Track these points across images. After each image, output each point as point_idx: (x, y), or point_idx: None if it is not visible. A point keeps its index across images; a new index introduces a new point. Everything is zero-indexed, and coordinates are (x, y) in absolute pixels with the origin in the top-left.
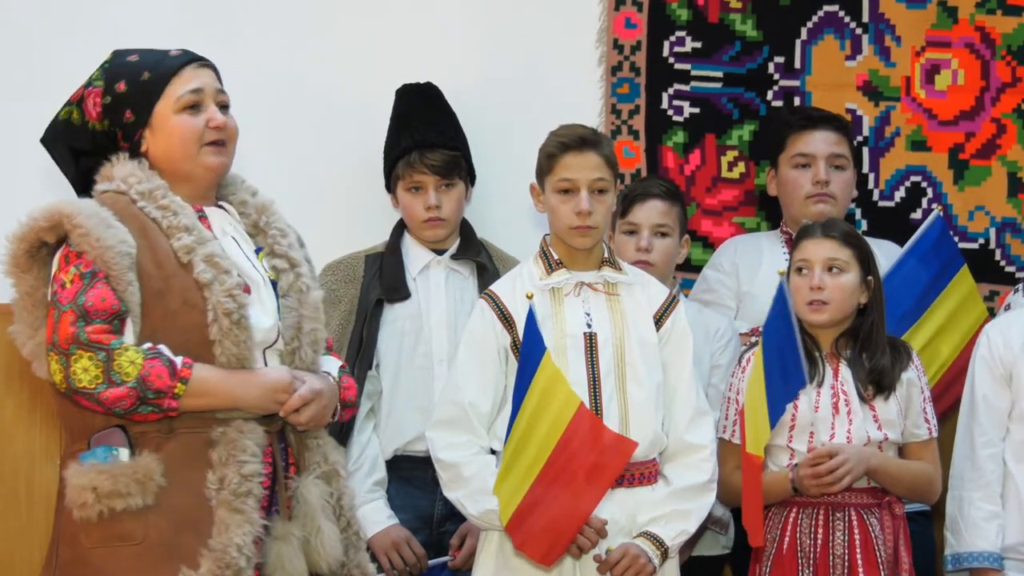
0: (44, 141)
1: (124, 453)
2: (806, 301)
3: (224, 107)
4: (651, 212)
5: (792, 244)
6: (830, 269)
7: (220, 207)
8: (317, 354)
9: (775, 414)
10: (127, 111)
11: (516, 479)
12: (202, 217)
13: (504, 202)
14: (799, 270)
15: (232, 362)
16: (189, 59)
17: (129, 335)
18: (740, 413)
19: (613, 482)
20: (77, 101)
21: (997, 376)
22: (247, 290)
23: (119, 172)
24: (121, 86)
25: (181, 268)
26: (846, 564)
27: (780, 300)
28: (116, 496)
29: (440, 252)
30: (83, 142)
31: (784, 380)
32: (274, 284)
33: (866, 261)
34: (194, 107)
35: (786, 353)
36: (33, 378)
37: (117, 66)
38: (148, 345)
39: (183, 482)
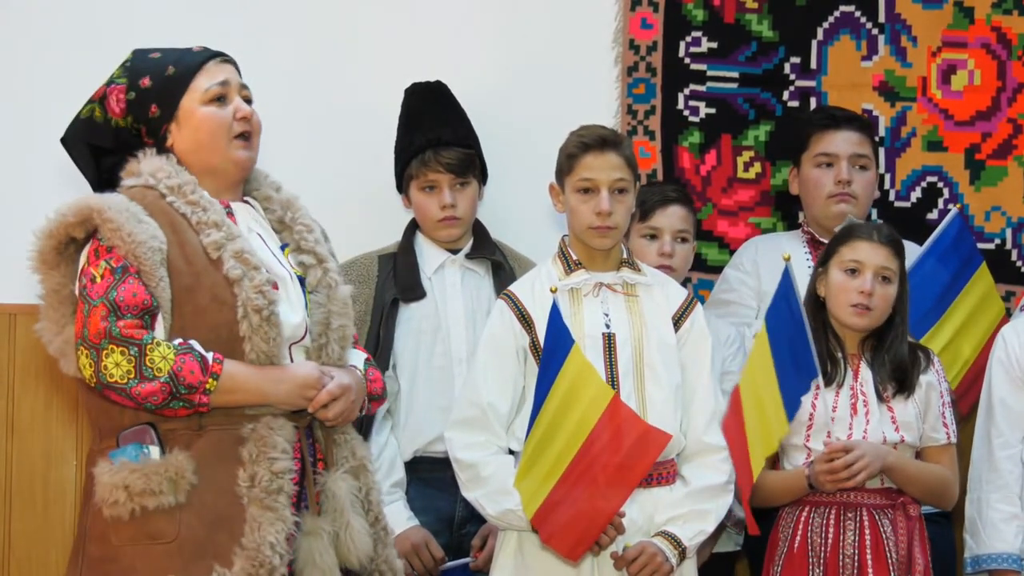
0: (64, 140)
1: (155, 451)
2: (852, 303)
3: (248, 101)
4: (673, 218)
5: (837, 239)
6: (881, 277)
7: (246, 202)
8: (345, 350)
9: (791, 408)
10: (152, 106)
11: (542, 472)
12: (229, 213)
13: (519, 203)
14: (850, 271)
15: (261, 358)
16: (211, 55)
17: (160, 330)
18: (735, 393)
19: (645, 474)
20: (99, 99)
21: (1014, 378)
22: (275, 287)
23: (147, 167)
24: (145, 81)
25: (211, 264)
26: (856, 564)
27: (787, 287)
28: (148, 495)
29: (454, 251)
30: (106, 139)
31: (796, 371)
32: (301, 280)
33: (904, 272)
34: (220, 99)
35: (796, 343)
36: (49, 378)
37: (140, 63)
38: (179, 340)
39: (214, 480)
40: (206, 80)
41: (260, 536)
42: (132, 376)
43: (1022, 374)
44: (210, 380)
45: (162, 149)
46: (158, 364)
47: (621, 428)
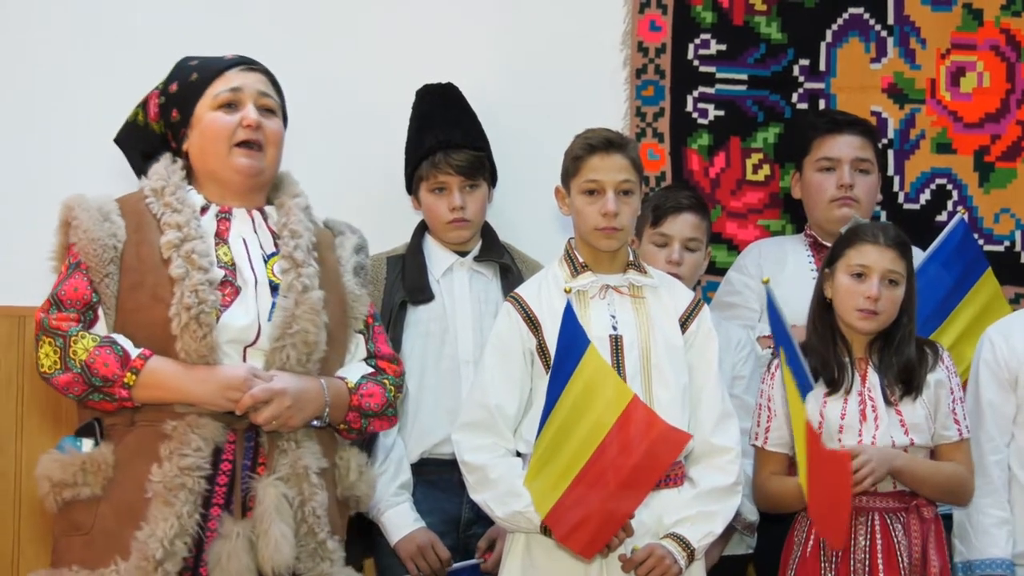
0: (117, 141)
1: (88, 444)
2: (858, 308)
3: (268, 111)
4: (684, 226)
5: (843, 241)
6: (888, 280)
7: (260, 210)
8: (310, 356)
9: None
10: (174, 110)
11: (555, 472)
12: (224, 219)
13: (528, 205)
14: (856, 275)
15: (192, 357)
16: (237, 62)
17: (101, 326)
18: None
19: (663, 475)
20: (143, 103)
21: (1002, 380)
22: (230, 291)
23: (152, 169)
24: (173, 87)
25: (161, 264)
26: (867, 568)
27: (772, 308)
28: (65, 486)
29: (462, 254)
30: (146, 143)
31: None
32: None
33: (912, 270)
34: (230, 105)
35: (789, 361)
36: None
37: (177, 69)
38: (104, 334)
39: (131, 474)
40: (220, 86)
41: (151, 529)
42: (58, 367)
43: (1009, 375)
44: (128, 375)
45: (180, 153)
46: (79, 355)
47: (641, 428)
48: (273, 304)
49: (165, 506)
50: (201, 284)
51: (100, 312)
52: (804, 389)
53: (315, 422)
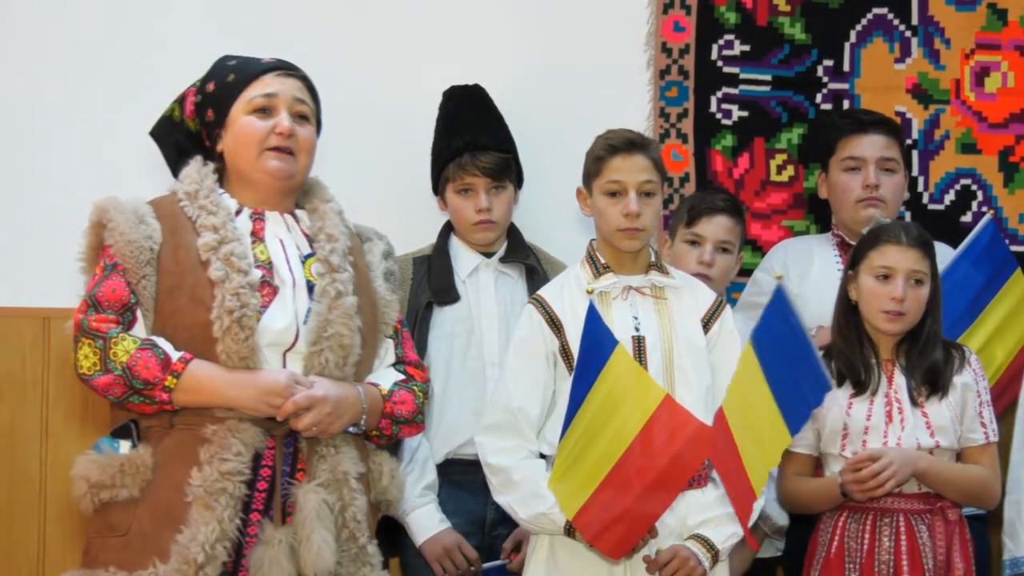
0: (153, 134)
1: (125, 446)
2: (883, 309)
3: (302, 117)
4: (717, 228)
5: (865, 242)
6: (913, 280)
7: (292, 214)
8: (346, 360)
9: (794, 420)
10: (209, 110)
11: (582, 473)
12: (258, 219)
13: (552, 206)
14: (881, 276)
15: (234, 360)
16: (274, 66)
17: (140, 328)
18: (719, 416)
19: (693, 474)
20: (180, 99)
21: None
22: (268, 291)
23: (183, 172)
24: (210, 86)
25: (200, 266)
26: (891, 570)
27: (781, 304)
28: (103, 487)
29: (488, 255)
30: (180, 139)
31: (800, 386)
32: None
33: (935, 270)
34: (264, 111)
35: (799, 361)
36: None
37: (215, 68)
38: (146, 337)
39: (169, 477)
40: (256, 90)
41: (192, 533)
42: (97, 368)
43: None
44: (169, 378)
45: (213, 153)
46: (120, 357)
47: (673, 428)
48: (309, 309)
49: (206, 510)
50: (242, 287)
51: (139, 314)
52: (820, 388)
53: (351, 428)
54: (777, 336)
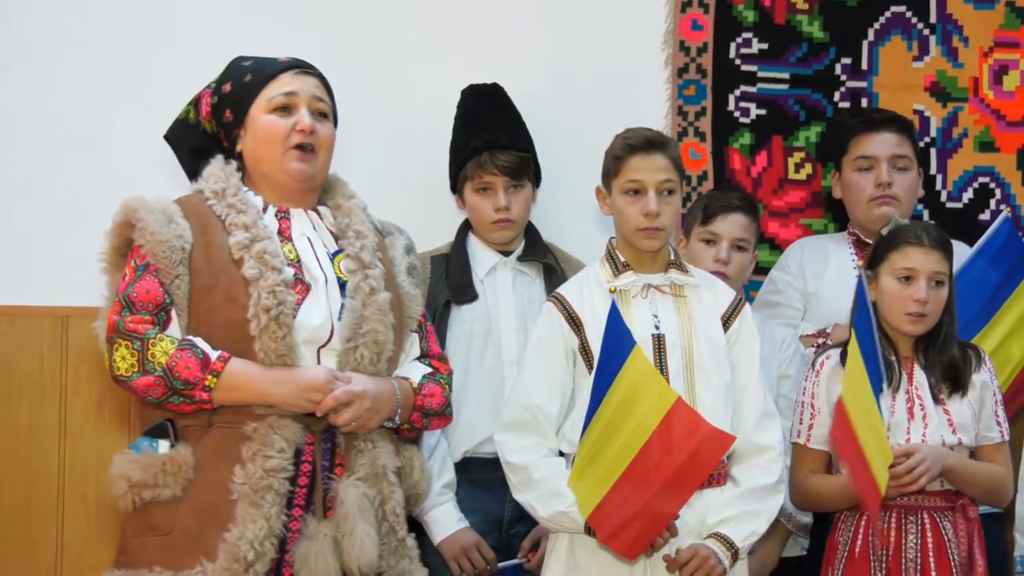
0: (167, 138)
1: (164, 445)
2: (907, 311)
3: (321, 115)
4: (733, 226)
5: (885, 244)
6: (935, 282)
7: (315, 210)
8: (380, 356)
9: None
10: (227, 110)
11: (599, 472)
12: (284, 218)
13: (570, 205)
14: (904, 278)
15: (271, 358)
16: (291, 65)
17: (175, 328)
18: (839, 408)
19: (707, 476)
20: (195, 101)
21: None
22: (301, 288)
23: (206, 171)
24: (227, 87)
25: (232, 264)
26: (919, 567)
27: (863, 297)
28: (145, 486)
29: (506, 254)
30: (197, 140)
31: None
32: (345, 286)
33: (952, 270)
34: (284, 109)
35: (869, 355)
36: (101, 380)
37: (230, 69)
38: (183, 337)
39: (212, 475)
40: (275, 89)
41: (241, 531)
42: (136, 370)
43: None
44: (209, 377)
45: (233, 153)
46: (159, 358)
47: (685, 431)
48: (342, 305)
49: (252, 507)
50: (277, 285)
51: (173, 314)
52: (878, 380)
53: (386, 422)
54: (864, 326)
